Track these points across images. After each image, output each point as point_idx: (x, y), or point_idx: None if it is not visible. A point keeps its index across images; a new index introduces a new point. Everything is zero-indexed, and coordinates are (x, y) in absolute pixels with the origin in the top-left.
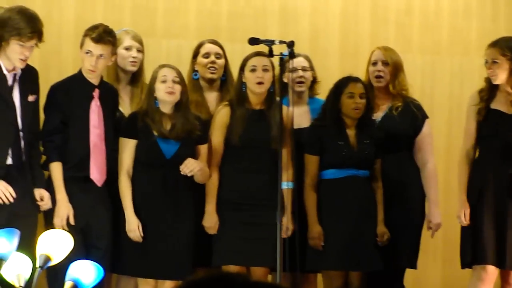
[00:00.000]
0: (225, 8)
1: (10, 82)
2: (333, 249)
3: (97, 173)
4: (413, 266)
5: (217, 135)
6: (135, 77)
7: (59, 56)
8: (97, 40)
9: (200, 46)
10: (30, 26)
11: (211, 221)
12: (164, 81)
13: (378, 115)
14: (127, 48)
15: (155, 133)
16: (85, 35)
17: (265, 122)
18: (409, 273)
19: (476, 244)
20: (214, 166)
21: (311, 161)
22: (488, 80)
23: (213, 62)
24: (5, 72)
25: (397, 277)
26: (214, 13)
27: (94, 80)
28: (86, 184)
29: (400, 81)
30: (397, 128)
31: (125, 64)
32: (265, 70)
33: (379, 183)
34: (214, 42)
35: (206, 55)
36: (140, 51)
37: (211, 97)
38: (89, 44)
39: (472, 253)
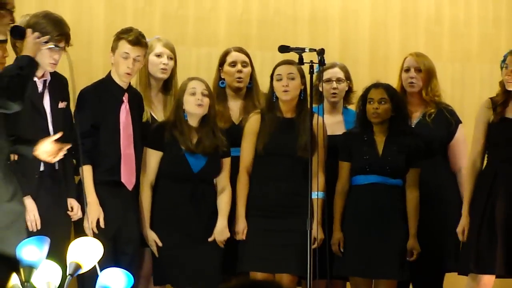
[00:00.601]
0: (255, 16)
1: (40, 89)
2: (353, 256)
3: (128, 177)
4: (456, 269)
5: (247, 142)
6: (167, 85)
7: (89, 64)
8: (135, 43)
9: (226, 54)
10: (57, 29)
11: (240, 226)
12: (193, 94)
13: (412, 122)
14: (158, 55)
15: (183, 147)
16: (120, 38)
17: (294, 130)
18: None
19: (479, 253)
20: (244, 172)
21: (342, 167)
22: (502, 85)
23: (239, 71)
24: (35, 78)
25: (437, 282)
26: (244, 21)
27: (124, 84)
28: (117, 188)
29: (433, 87)
30: (431, 134)
31: (155, 71)
32: (291, 78)
33: (413, 193)
34: (240, 50)
35: (233, 64)
36: (172, 58)
37: (235, 105)
38: (126, 47)
39: (475, 262)
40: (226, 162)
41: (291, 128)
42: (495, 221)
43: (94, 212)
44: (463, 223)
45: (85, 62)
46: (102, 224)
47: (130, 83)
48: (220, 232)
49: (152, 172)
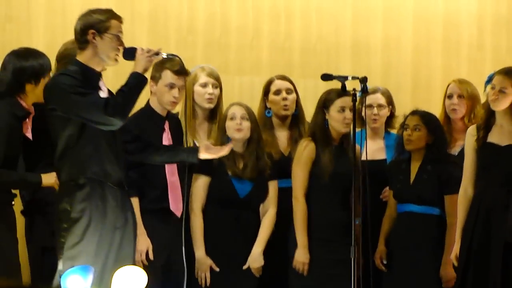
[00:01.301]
0: (298, 44)
1: None
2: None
3: (175, 205)
4: None
5: (303, 170)
6: (213, 113)
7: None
8: (180, 72)
9: (270, 83)
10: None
11: (304, 258)
12: (232, 118)
13: (455, 150)
14: (204, 85)
15: (229, 172)
16: (163, 68)
17: (346, 157)
18: None
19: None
20: (302, 199)
21: (389, 194)
22: (486, 107)
23: (285, 99)
24: None
25: None
26: (286, 49)
27: (163, 112)
28: (165, 217)
29: (476, 113)
30: None
31: (201, 101)
32: (350, 110)
33: (448, 220)
34: (284, 78)
35: (278, 92)
36: (217, 87)
37: (282, 135)
38: (171, 76)
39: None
40: (272, 185)
41: (343, 154)
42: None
43: (143, 244)
44: (455, 249)
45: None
46: (151, 256)
47: (168, 111)
48: (254, 260)
49: (202, 197)
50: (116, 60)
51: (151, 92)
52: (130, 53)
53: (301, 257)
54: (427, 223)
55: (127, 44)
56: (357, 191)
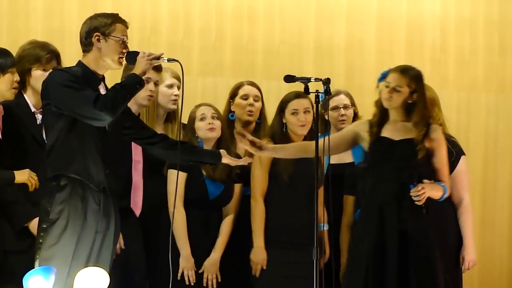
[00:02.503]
0: (261, 45)
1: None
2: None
3: (136, 203)
4: None
5: (262, 171)
6: (171, 114)
7: None
8: (156, 68)
9: (239, 87)
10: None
11: (259, 257)
12: (202, 119)
13: None
14: (169, 86)
15: (204, 172)
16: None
17: (308, 159)
18: None
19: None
20: (260, 200)
21: (347, 201)
22: (379, 104)
23: (251, 105)
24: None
25: None
26: (249, 50)
27: (136, 111)
28: (125, 215)
29: (434, 117)
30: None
31: (166, 102)
32: (306, 112)
33: None
34: (253, 84)
35: (245, 97)
36: (179, 87)
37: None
38: (150, 72)
39: None
40: (237, 188)
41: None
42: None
43: None
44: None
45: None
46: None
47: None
48: (211, 264)
49: (182, 193)
50: (120, 63)
51: None
52: (132, 57)
53: (255, 256)
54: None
55: None
56: (320, 193)
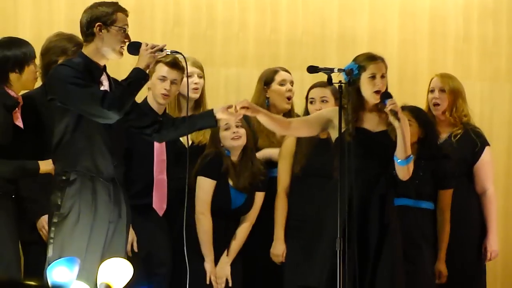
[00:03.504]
0: (284, 36)
1: None
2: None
3: (159, 203)
4: None
5: (284, 164)
6: (197, 104)
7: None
8: (172, 65)
9: (275, 73)
10: None
11: (279, 249)
12: (227, 129)
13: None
14: (189, 75)
15: (230, 182)
16: (157, 61)
17: (330, 151)
18: None
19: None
20: (283, 194)
21: None
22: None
23: (289, 91)
24: None
25: None
26: (272, 41)
27: (159, 110)
28: (147, 213)
29: (458, 107)
30: (455, 155)
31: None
32: (323, 101)
33: (441, 216)
34: (287, 71)
35: (283, 83)
36: (201, 77)
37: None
38: (163, 69)
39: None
40: (258, 197)
41: (327, 148)
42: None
43: (129, 235)
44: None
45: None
46: (135, 248)
47: (166, 109)
48: (221, 268)
49: (210, 200)
50: (121, 53)
51: (148, 88)
52: (134, 48)
53: (274, 249)
54: (423, 217)
55: None
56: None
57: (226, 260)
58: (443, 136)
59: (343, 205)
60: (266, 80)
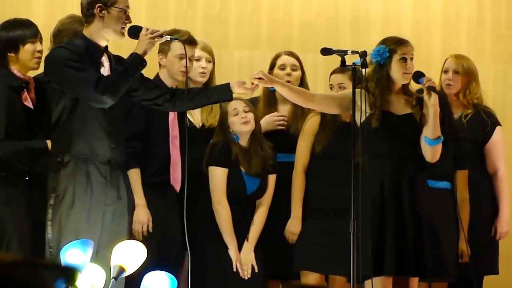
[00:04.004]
0: (297, 18)
1: None
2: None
3: (176, 179)
4: (495, 271)
5: (305, 142)
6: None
7: None
8: (189, 42)
9: (276, 57)
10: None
11: (296, 228)
12: (236, 114)
13: None
14: (197, 59)
15: (242, 168)
16: (171, 39)
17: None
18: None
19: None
20: (302, 172)
21: None
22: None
23: (288, 75)
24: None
25: (477, 285)
26: (286, 23)
27: (173, 85)
28: (163, 190)
29: (472, 89)
30: (465, 135)
31: (195, 75)
32: (341, 87)
33: (461, 195)
34: (291, 54)
35: (283, 67)
36: (210, 61)
37: (285, 110)
38: (180, 47)
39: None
40: (271, 179)
41: (349, 132)
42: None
43: (144, 215)
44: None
45: None
46: (150, 228)
47: (177, 86)
48: (245, 255)
49: (225, 188)
50: (122, 34)
51: (160, 66)
52: (134, 31)
53: (291, 227)
54: (444, 197)
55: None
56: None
57: (249, 247)
58: (454, 117)
59: (359, 188)
60: (271, 64)
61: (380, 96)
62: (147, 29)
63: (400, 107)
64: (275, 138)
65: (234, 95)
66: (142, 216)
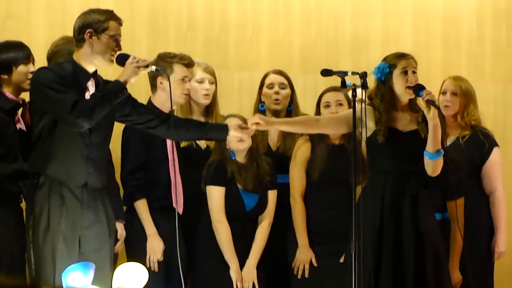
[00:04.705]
0: (297, 39)
1: None
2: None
3: (178, 201)
4: None
5: (299, 170)
6: (209, 109)
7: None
8: (190, 65)
9: (265, 77)
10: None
11: (306, 256)
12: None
13: (446, 144)
14: (200, 81)
15: (239, 185)
16: (172, 62)
17: (346, 156)
18: None
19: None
20: (300, 201)
21: None
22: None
23: (277, 93)
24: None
25: None
26: (286, 44)
27: (165, 108)
28: (167, 214)
29: (470, 111)
30: (463, 156)
31: (198, 97)
32: (339, 105)
33: (452, 225)
34: (279, 73)
35: (271, 86)
36: (213, 82)
37: (273, 130)
38: (183, 70)
39: None
40: (272, 195)
41: (343, 154)
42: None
43: (156, 245)
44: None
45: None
46: (160, 258)
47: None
48: (247, 272)
49: (223, 207)
50: (111, 61)
51: (154, 90)
52: (122, 59)
53: (301, 256)
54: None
55: (127, 40)
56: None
57: (251, 263)
58: (451, 137)
59: (359, 208)
60: (260, 84)
61: (385, 112)
62: (134, 58)
63: (405, 123)
64: None
65: (231, 115)
66: (156, 246)
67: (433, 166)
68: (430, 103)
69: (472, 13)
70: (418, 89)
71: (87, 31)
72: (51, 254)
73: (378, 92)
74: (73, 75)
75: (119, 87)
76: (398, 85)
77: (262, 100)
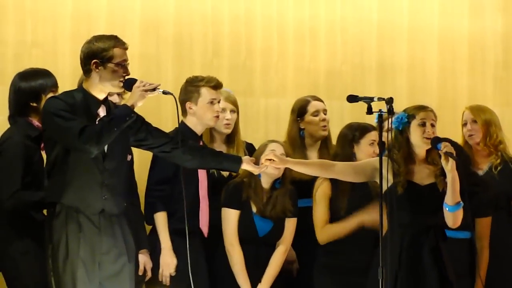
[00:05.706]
0: (323, 65)
1: None
2: None
3: (205, 224)
4: None
5: (322, 210)
6: (230, 137)
7: (159, 118)
8: (217, 87)
9: (307, 103)
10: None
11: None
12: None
13: (479, 173)
14: (222, 110)
15: (254, 209)
16: (199, 86)
17: (368, 189)
18: None
19: None
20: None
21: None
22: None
23: (323, 120)
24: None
25: None
26: (311, 70)
27: (199, 131)
28: (192, 236)
29: (492, 135)
30: (497, 187)
31: (219, 126)
32: (372, 144)
33: (480, 244)
34: (319, 99)
35: (316, 113)
36: (234, 111)
37: (313, 155)
38: (211, 92)
39: None
40: (291, 222)
41: (366, 191)
42: None
43: (170, 259)
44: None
45: (155, 116)
46: (173, 272)
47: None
48: None
49: (236, 230)
50: (120, 87)
51: (185, 114)
52: (129, 84)
53: None
54: (461, 247)
55: (153, 68)
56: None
57: None
58: (484, 167)
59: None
60: (299, 111)
61: (404, 164)
62: (141, 82)
63: (423, 177)
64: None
65: (275, 140)
66: (170, 260)
67: (453, 218)
68: (449, 155)
69: (497, 39)
70: (436, 141)
71: (93, 62)
72: (71, 282)
73: (396, 143)
74: (84, 103)
75: (127, 111)
76: (415, 135)
77: (302, 127)
